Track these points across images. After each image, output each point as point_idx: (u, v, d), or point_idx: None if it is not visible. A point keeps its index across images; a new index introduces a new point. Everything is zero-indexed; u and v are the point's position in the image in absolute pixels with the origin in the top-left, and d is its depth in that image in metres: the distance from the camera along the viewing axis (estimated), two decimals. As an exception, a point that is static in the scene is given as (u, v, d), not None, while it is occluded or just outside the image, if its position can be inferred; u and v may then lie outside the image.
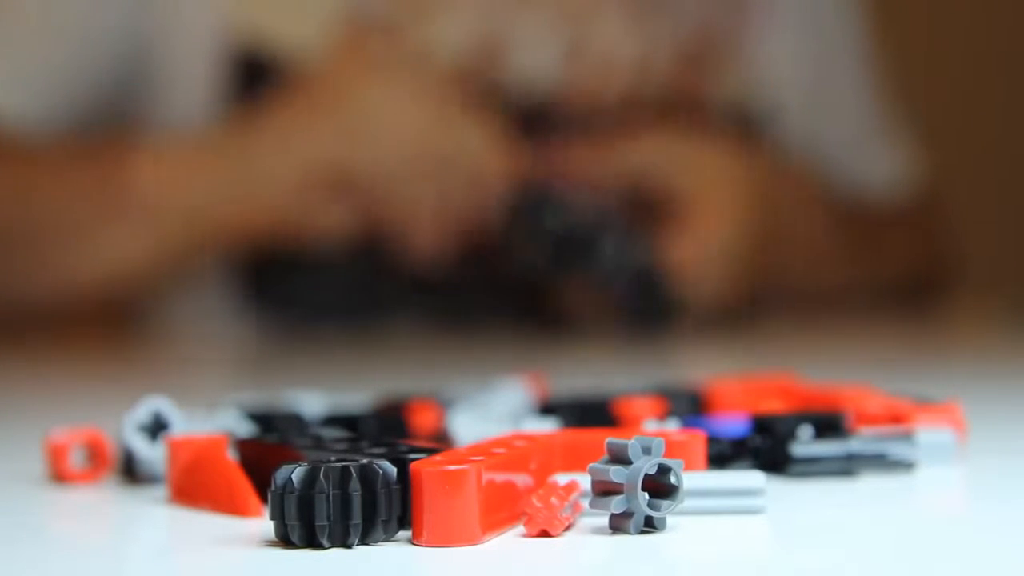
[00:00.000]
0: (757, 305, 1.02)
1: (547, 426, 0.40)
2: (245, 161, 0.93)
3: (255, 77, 0.98)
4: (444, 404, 0.45)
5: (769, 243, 0.99)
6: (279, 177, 0.92)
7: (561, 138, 0.98)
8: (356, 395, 0.50)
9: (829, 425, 0.38)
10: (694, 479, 0.33)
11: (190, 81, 0.99)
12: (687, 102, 1.03)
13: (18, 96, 0.97)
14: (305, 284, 0.97)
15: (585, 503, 0.32)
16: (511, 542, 0.31)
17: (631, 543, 0.31)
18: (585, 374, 0.68)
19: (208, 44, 0.98)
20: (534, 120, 0.99)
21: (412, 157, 0.92)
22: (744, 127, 1.05)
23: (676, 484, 0.31)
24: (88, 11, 0.98)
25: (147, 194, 0.93)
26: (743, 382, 0.47)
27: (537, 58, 1.00)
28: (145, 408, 0.38)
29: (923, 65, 1.57)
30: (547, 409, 0.44)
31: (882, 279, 1.12)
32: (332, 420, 0.42)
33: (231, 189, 0.93)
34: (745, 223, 0.97)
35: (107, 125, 0.99)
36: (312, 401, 0.45)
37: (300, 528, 0.30)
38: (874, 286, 1.10)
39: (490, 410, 0.44)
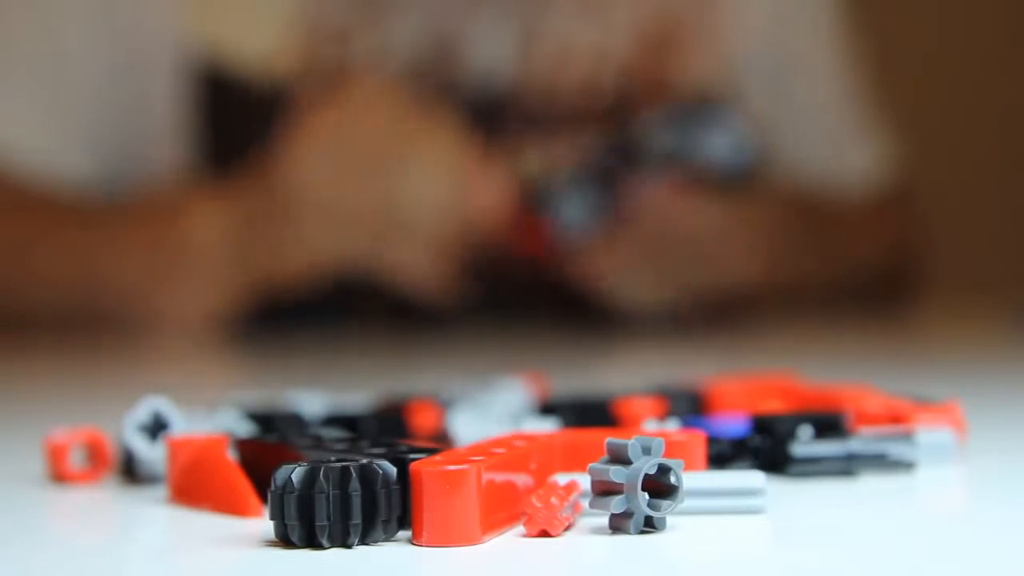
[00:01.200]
0: (703, 307, 1.01)
1: (547, 426, 0.40)
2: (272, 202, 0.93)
3: (220, 94, 0.98)
4: (444, 404, 0.45)
5: (722, 240, 0.98)
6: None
7: (519, 131, 0.98)
8: (356, 395, 0.50)
9: (829, 425, 0.38)
10: (694, 479, 0.33)
11: (168, 110, 0.99)
12: (647, 88, 1.02)
13: (47, 148, 0.98)
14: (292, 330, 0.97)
15: (585, 503, 0.32)
16: (511, 542, 0.31)
17: (631, 543, 0.31)
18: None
19: (178, 68, 0.99)
20: (492, 115, 0.99)
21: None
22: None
23: (676, 484, 0.31)
24: (89, 55, 0.99)
25: (202, 254, 0.93)
26: (743, 382, 0.47)
27: (492, 52, 1.00)
28: (145, 408, 0.38)
29: (897, 56, 1.55)
30: (547, 409, 0.44)
31: (844, 275, 1.09)
32: (332, 420, 0.42)
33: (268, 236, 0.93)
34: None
35: (140, 175, 1.01)
36: (312, 401, 0.45)
37: (300, 528, 0.30)
38: (835, 283, 1.08)
39: (490, 410, 0.44)
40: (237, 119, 0.99)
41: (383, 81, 0.98)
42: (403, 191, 0.91)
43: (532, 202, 0.93)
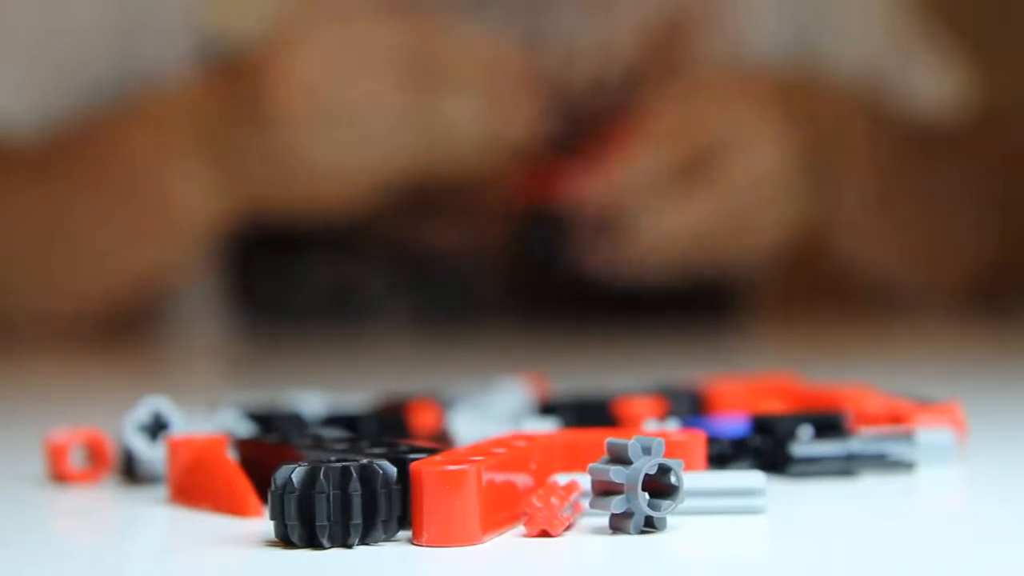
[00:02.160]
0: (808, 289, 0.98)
1: (547, 426, 0.40)
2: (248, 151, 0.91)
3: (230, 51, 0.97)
4: (444, 404, 0.45)
5: (821, 183, 0.94)
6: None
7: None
8: (356, 395, 0.50)
9: (829, 425, 0.38)
10: (694, 479, 0.33)
11: (170, 63, 0.98)
12: (655, 84, 1.01)
13: (19, 102, 0.97)
14: (292, 284, 0.96)
15: (585, 503, 0.32)
16: (511, 542, 0.31)
17: (631, 543, 0.31)
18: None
19: (184, 44, 0.97)
20: None
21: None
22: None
23: (676, 484, 0.31)
24: (79, 13, 0.98)
25: (172, 204, 0.92)
26: (743, 382, 0.47)
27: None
28: (145, 408, 0.38)
29: None
30: (547, 409, 0.44)
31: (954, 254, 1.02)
32: (332, 420, 0.42)
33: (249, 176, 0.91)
34: (791, 161, 0.92)
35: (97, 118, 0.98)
36: (312, 401, 0.45)
37: (300, 528, 0.30)
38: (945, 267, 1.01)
39: (490, 410, 0.44)
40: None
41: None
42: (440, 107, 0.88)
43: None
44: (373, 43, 0.90)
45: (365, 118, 0.88)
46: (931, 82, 1.06)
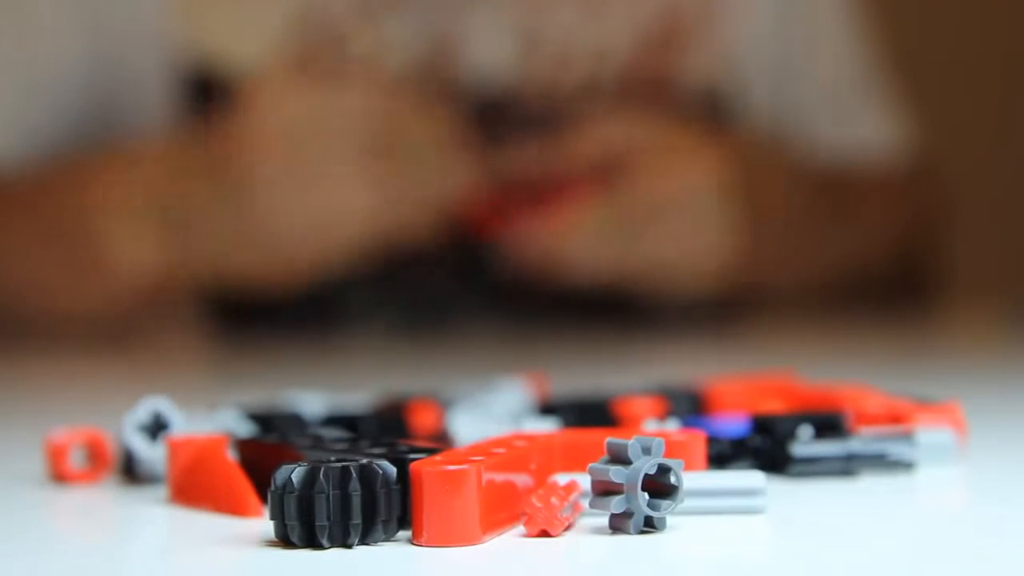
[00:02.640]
0: (741, 302, 1.00)
1: (547, 426, 0.40)
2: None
3: (208, 95, 0.97)
4: (444, 404, 0.45)
5: (749, 226, 0.97)
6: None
7: (518, 133, 0.98)
8: (356, 395, 0.50)
9: (829, 425, 0.38)
10: (694, 479, 0.33)
11: (149, 103, 0.98)
12: (649, 87, 1.02)
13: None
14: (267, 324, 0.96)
15: (585, 503, 0.32)
16: (511, 542, 0.31)
17: (631, 543, 0.31)
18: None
19: (163, 63, 0.98)
20: (491, 115, 0.98)
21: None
22: (711, 111, 1.03)
23: (676, 484, 0.31)
24: (57, 42, 0.98)
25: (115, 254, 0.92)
26: (743, 382, 0.47)
27: (492, 51, 1.00)
28: (145, 408, 0.38)
29: (917, 24, 1.48)
30: (547, 409, 0.44)
31: (866, 257, 1.06)
32: (332, 420, 0.42)
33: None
34: (724, 209, 0.96)
35: (72, 153, 0.98)
36: (312, 401, 0.45)
37: (300, 528, 0.30)
38: (858, 268, 1.06)
39: (490, 410, 0.44)
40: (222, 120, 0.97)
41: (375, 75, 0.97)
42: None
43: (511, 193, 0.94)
44: (343, 106, 0.91)
45: (329, 180, 0.90)
46: (872, 127, 1.10)
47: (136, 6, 0.98)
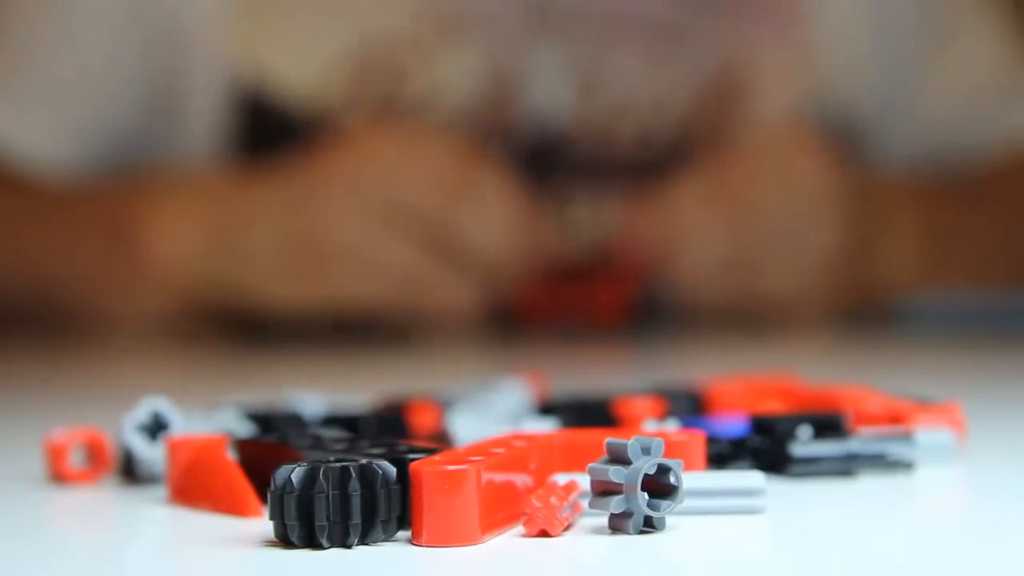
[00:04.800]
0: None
1: (547, 426, 0.40)
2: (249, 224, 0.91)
3: (262, 122, 0.97)
4: (444, 404, 0.45)
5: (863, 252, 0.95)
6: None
7: (571, 178, 0.98)
8: (356, 395, 0.50)
9: (829, 425, 0.38)
10: (694, 479, 0.33)
11: (202, 127, 0.98)
12: (704, 142, 1.00)
13: (55, 146, 0.98)
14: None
15: (585, 503, 0.32)
16: (511, 542, 0.31)
17: (631, 543, 0.31)
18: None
19: (219, 87, 0.98)
20: (545, 158, 0.98)
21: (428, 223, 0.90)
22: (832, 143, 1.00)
23: (676, 484, 0.31)
24: (114, 60, 0.98)
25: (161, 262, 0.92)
26: (743, 382, 0.47)
27: (549, 93, 0.99)
28: (145, 408, 0.38)
29: None
30: (547, 409, 0.44)
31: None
32: (332, 420, 0.42)
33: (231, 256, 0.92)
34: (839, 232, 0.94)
35: (125, 171, 0.99)
36: (312, 402, 0.45)
37: (300, 528, 0.30)
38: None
39: (490, 410, 0.44)
40: (273, 146, 0.97)
41: (432, 125, 0.96)
42: (453, 238, 0.89)
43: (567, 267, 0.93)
44: (422, 152, 0.90)
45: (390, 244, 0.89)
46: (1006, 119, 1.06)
47: (195, 28, 0.98)
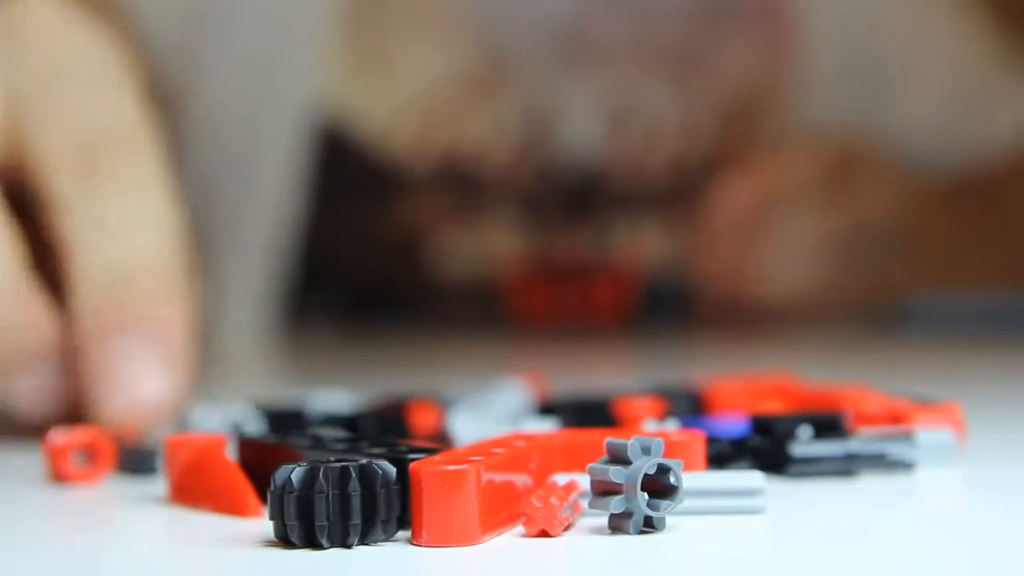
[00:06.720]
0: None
1: (547, 426, 0.40)
2: None
3: (335, 155, 0.98)
4: (444, 404, 0.45)
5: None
6: None
7: (606, 212, 0.98)
8: (356, 395, 0.50)
9: (829, 425, 0.38)
10: (694, 479, 0.33)
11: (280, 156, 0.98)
12: (728, 162, 1.01)
13: None
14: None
15: (584, 503, 0.32)
16: (511, 542, 0.31)
17: (630, 543, 0.31)
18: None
19: (297, 120, 0.97)
20: (582, 195, 0.99)
21: None
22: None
23: (676, 484, 0.31)
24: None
25: None
26: (743, 382, 0.47)
27: (584, 131, 1.00)
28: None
29: None
30: (547, 409, 0.44)
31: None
32: (331, 420, 0.42)
33: None
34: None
35: None
36: (337, 399, 0.45)
37: (299, 528, 0.30)
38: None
39: (490, 410, 0.44)
40: (347, 186, 0.98)
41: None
42: None
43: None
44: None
45: None
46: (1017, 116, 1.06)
47: (275, 69, 0.98)
